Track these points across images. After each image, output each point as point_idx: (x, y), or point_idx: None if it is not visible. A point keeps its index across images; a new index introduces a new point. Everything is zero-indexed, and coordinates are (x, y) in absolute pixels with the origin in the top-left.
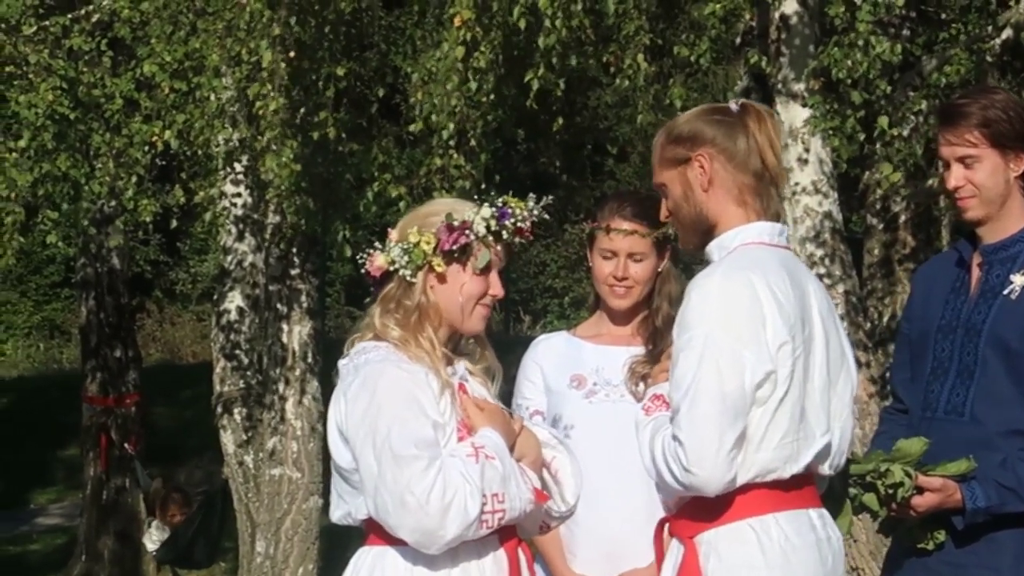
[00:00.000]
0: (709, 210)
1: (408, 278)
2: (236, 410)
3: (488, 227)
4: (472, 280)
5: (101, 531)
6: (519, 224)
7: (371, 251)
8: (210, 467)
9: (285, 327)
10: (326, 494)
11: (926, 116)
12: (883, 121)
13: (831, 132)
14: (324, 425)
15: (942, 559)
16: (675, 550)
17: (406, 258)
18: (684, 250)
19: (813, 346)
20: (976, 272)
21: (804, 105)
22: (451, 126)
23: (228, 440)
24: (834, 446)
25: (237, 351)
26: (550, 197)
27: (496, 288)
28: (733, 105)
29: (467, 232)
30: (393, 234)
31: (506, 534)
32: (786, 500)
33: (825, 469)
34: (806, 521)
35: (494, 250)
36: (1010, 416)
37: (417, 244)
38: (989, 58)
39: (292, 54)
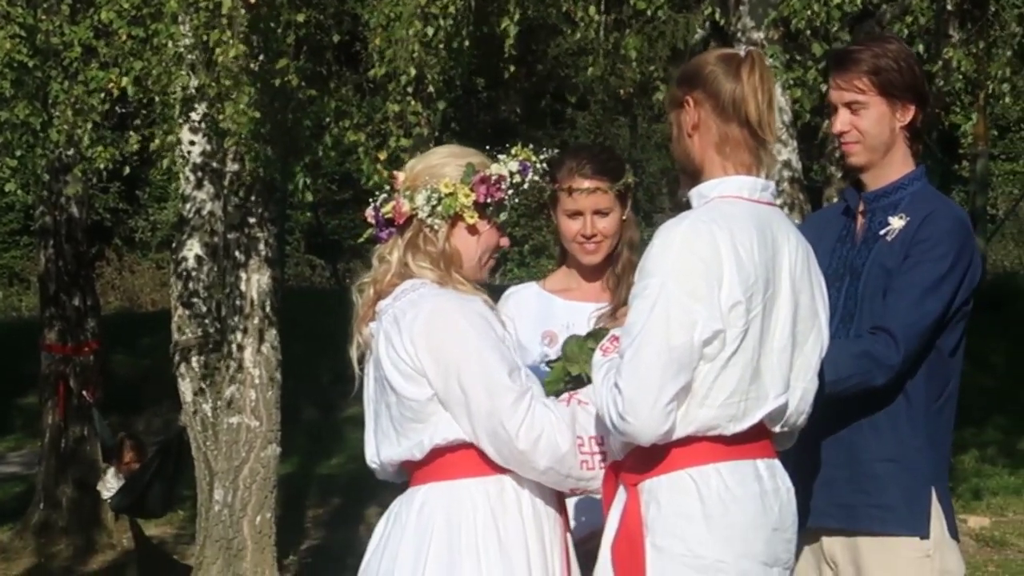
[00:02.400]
0: (694, 155)
1: (435, 227)
2: (194, 358)
3: (512, 181)
4: (490, 231)
5: (59, 479)
6: (535, 177)
7: (394, 197)
8: (169, 415)
9: (244, 275)
10: (284, 442)
11: None
12: None
13: (793, 83)
14: (283, 374)
15: (831, 501)
16: (620, 496)
17: (437, 207)
18: (682, 194)
19: (776, 306)
20: (860, 220)
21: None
22: (411, 72)
23: (186, 388)
24: (791, 406)
25: (195, 299)
26: (555, 149)
27: (505, 240)
28: (742, 51)
29: (501, 187)
30: (400, 179)
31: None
32: (730, 451)
33: (777, 428)
34: (751, 472)
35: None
36: None
37: (452, 195)
38: (949, 6)
39: (252, 0)
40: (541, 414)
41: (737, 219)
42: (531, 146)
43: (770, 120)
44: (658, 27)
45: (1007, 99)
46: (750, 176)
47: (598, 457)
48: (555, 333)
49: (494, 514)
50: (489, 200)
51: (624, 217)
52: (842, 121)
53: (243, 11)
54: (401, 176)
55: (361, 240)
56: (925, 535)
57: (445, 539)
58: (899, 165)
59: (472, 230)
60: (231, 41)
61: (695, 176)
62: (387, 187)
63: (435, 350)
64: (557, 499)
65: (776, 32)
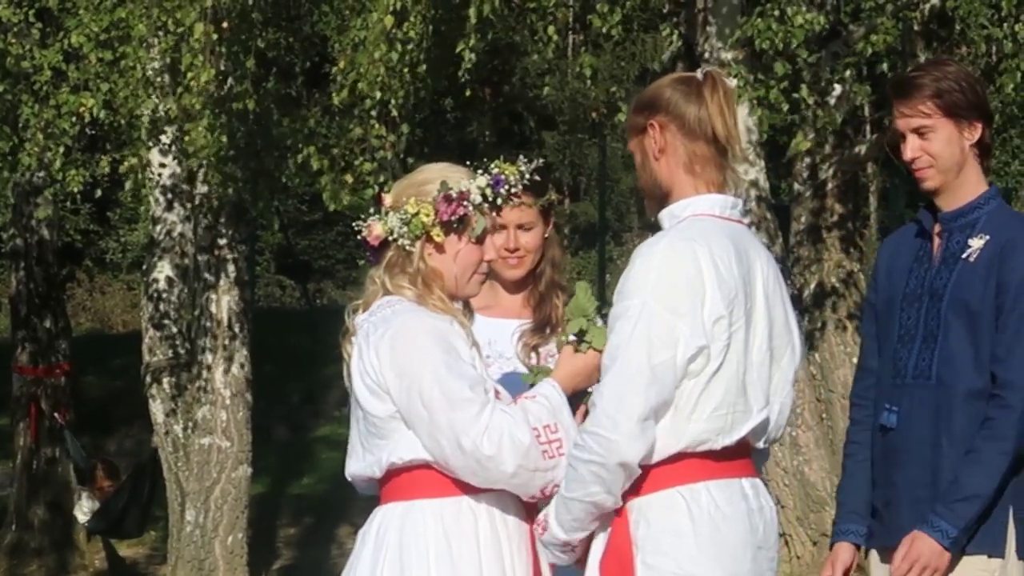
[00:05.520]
0: (662, 178)
1: (407, 247)
2: (165, 379)
3: (484, 196)
4: (467, 248)
5: (32, 501)
6: (512, 190)
7: (369, 220)
8: (140, 436)
9: (214, 296)
10: (255, 463)
11: (851, 84)
12: (804, 91)
13: (755, 102)
14: (253, 394)
15: (916, 520)
16: (607, 516)
17: (404, 228)
18: (650, 218)
19: (753, 321)
20: (937, 240)
21: (728, 75)
22: (376, 95)
23: (157, 409)
24: (772, 422)
25: (166, 321)
26: (541, 160)
27: (490, 253)
28: (699, 74)
29: (465, 203)
30: (387, 200)
31: (531, 512)
32: (718, 469)
33: (760, 444)
34: (738, 490)
35: (489, 217)
36: (970, 378)
37: (416, 215)
38: (915, 27)
39: (225, 25)
40: (499, 417)
41: (713, 235)
42: (523, 158)
43: (737, 135)
44: (627, 48)
45: None
46: (720, 194)
47: (556, 444)
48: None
49: (447, 536)
50: (453, 218)
51: (546, 235)
52: (912, 148)
53: (216, 36)
54: (388, 198)
55: (363, 263)
56: (998, 554)
57: (397, 561)
58: (973, 184)
59: (439, 248)
60: (203, 65)
61: (663, 200)
62: (372, 209)
63: (397, 367)
64: (523, 518)
65: (741, 52)
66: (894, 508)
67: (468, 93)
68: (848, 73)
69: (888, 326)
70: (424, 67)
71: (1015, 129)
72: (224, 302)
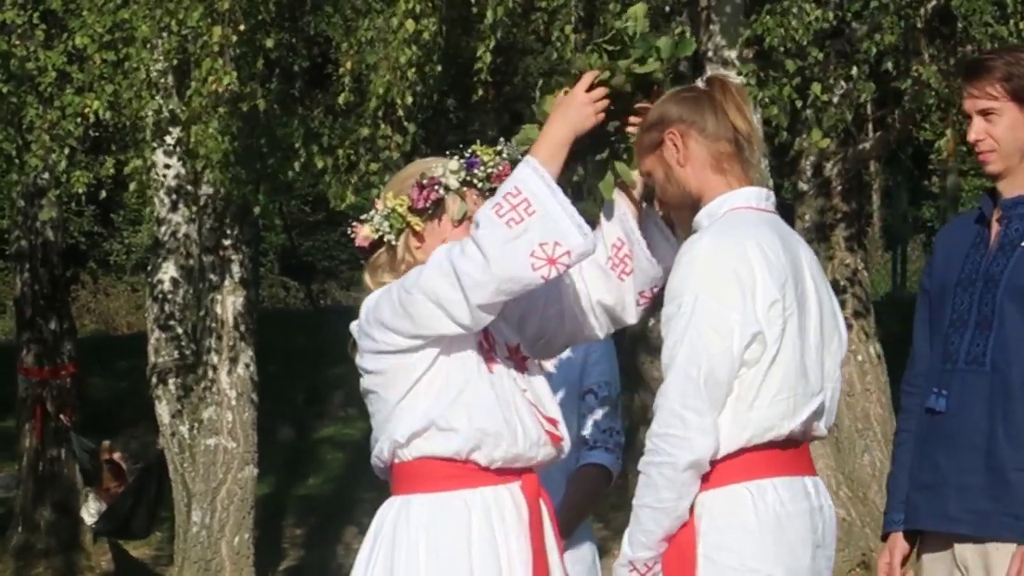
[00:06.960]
0: (691, 184)
1: (392, 243)
2: (171, 380)
3: (459, 178)
4: (454, 234)
5: (38, 502)
6: (490, 171)
7: (355, 224)
8: (146, 438)
9: (218, 297)
10: (261, 463)
11: (855, 82)
12: (816, 88)
13: (768, 100)
14: (259, 395)
15: (965, 507)
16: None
17: (387, 224)
18: (682, 234)
19: (807, 305)
20: (996, 227)
21: (738, 74)
22: (408, 100)
23: (163, 411)
24: (826, 405)
25: (171, 322)
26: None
27: None
28: (700, 83)
29: (436, 188)
30: (379, 203)
31: (527, 481)
32: (783, 465)
33: (821, 428)
34: (801, 488)
35: (471, 199)
36: None
37: (394, 208)
38: (919, 24)
39: (241, 27)
40: (461, 242)
41: (755, 225)
42: (503, 140)
43: (756, 131)
44: None
45: None
46: (753, 187)
47: (523, 206)
48: None
49: (438, 530)
50: (427, 204)
51: None
52: (976, 130)
53: (234, 38)
54: (379, 202)
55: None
56: None
57: (389, 555)
58: None
59: (420, 237)
60: (224, 69)
61: (695, 206)
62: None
63: (387, 316)
64: (521, 512)
65: (750, 51)
66: (938, 493)
67: (480, 93)
68: (855, 71)
69: (940, 312)
70: (430, 68)
71: None
72: (229, 303)
